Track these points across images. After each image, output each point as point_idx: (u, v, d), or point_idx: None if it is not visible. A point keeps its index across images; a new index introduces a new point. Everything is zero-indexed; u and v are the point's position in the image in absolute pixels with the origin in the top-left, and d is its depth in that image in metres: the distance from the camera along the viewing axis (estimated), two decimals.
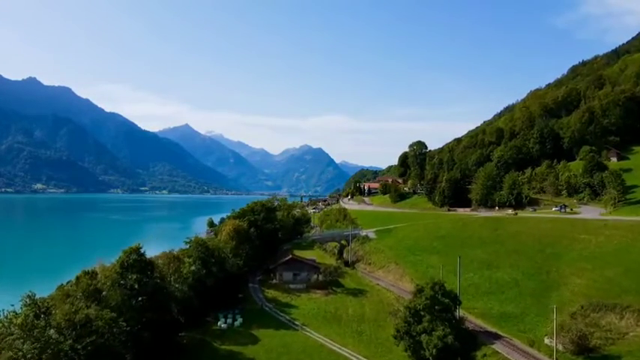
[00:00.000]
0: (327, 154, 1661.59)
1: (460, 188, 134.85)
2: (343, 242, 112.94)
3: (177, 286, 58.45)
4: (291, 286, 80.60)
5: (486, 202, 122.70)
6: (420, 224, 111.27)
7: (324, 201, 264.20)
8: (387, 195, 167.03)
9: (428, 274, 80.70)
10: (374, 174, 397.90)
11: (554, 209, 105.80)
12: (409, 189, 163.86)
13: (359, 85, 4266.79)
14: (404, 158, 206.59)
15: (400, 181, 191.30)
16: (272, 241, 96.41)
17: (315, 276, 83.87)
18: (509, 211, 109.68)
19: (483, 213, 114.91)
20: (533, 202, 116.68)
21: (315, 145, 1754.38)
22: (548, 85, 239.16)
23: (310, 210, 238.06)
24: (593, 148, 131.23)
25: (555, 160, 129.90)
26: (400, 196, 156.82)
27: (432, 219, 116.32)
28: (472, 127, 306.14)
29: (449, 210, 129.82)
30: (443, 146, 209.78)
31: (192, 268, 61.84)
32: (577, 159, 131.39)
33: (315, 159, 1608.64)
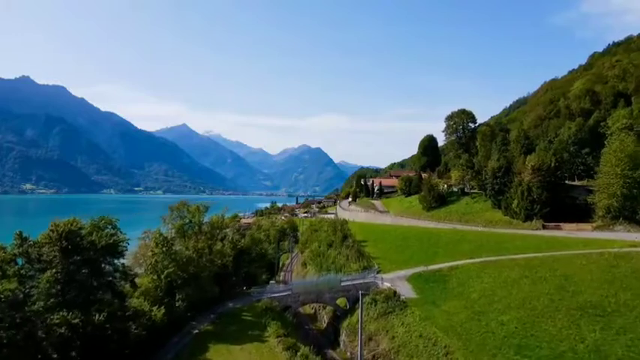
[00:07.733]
0: (325, 154, 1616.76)
1: (558, 186, 72.85)
2: (340, 302, 52.10)
3: None
4: None
5: (632, 214, 60.71)
6: (509, 263, 49.83)
7: (319, 203, 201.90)
8: (415, 196, 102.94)
9: None
10: (375, 172, 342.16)
11: None
12: (453, 185, 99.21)
13: (358, 84, 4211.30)
14: (428, 142, 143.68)
15: (426, 175, 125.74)
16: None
17: None
18: None
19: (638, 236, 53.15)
20: None
21: (313, 145, 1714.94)
22: (572, 71, 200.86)
23: (301, 215, 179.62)
24: None
25: None
26: (439, 199, 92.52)
27: (527, 246, 54.83)
28: (478, 122, 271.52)
29: (544, 227, 68.14)
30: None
31: None
32: None
33: (313, 159, 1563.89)
